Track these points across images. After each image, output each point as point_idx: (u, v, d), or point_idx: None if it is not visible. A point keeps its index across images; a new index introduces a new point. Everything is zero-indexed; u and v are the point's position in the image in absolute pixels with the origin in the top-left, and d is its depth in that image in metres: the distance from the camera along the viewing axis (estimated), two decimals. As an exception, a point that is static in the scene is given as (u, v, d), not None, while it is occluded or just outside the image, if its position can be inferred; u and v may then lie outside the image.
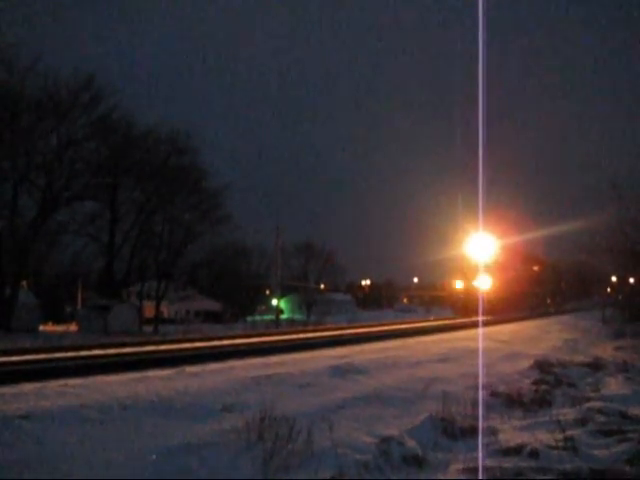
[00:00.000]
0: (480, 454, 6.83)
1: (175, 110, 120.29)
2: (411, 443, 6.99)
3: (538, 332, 32.34)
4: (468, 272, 63.61)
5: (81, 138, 45.83)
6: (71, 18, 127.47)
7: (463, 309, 60.75)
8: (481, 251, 49.38)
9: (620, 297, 49.98)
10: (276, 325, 49.75)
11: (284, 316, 67.35)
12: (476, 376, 11.70)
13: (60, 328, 47.72)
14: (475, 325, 31.30)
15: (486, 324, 33.73)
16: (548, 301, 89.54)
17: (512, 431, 8.22)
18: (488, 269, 53.33)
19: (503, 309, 58.08)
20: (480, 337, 22.47)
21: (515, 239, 60.86)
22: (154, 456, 5.96)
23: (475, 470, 6.31)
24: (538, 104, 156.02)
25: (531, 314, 60.90)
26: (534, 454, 6.89)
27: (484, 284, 51.35)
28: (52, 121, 43.42)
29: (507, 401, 10.42)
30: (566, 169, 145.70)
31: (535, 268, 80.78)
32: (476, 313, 43.15)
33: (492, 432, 8.01)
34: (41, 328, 45.45)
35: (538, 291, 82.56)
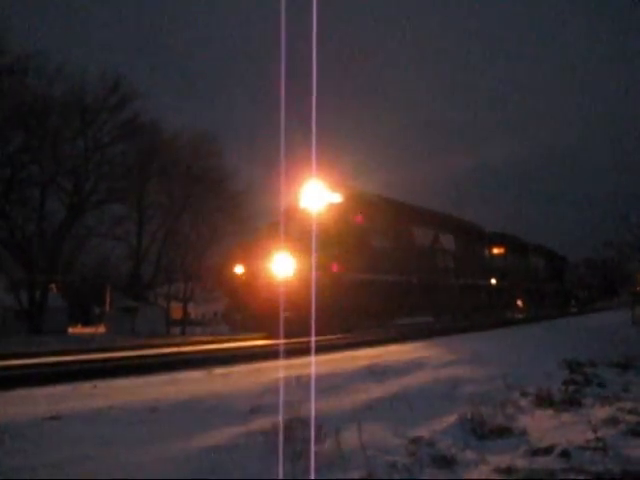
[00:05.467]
0: (510, 455, 6.78)
1: (200, 113, 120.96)
2: (440, 444, 6.96)
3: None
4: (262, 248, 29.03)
5: (108, 142, 46.45)
6: (93, 20, 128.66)
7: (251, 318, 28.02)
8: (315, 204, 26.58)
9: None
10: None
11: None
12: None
13: (89, 330, 48.28)
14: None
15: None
16: (519, 303, 53.56)
17: (542, 431, 8.12)
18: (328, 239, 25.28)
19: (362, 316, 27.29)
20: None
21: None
22: (182, 457, 5.98)
23: (505, 470, 6.25)
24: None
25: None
26: (565, 455, 6.81)
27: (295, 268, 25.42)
28: (79, 125, 44.01)
29: (537, 400, 10.31)
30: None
31: (497, 250, 47.21)
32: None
33: (522, 432, 7.93)
34: (70, 330, 46.06)
35: (498, 286, 46.23)
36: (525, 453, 7.00)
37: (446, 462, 6.53)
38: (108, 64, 50.36)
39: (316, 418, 6.92)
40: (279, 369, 11.25)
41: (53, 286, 48.90)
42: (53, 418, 7.18)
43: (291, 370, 11.03)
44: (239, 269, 32.18)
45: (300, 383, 9.64)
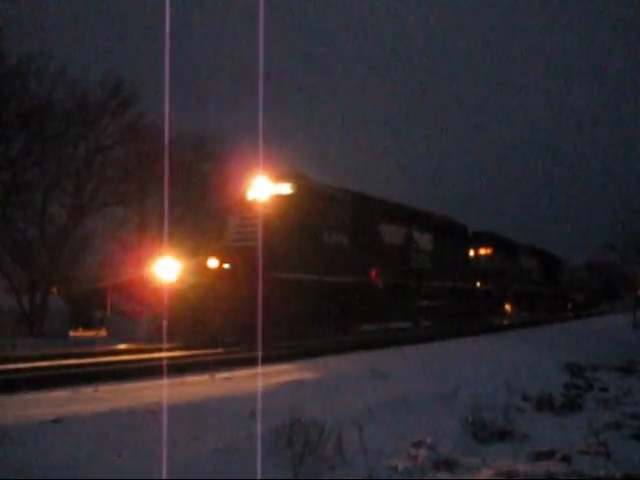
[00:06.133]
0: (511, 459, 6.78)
1: (201, 114, 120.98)
2: (442, 448, 6.95)
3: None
4: None
5: (109, 145, 46.33)
6: (94, 23, 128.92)
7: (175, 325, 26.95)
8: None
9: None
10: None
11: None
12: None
13: (90, 334, 48.21)
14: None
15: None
16: (507, 307, 49.11)
17: (543, 435, 8.12)
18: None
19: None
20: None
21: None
22: (183, 461, 5.99)
23: (506, 474, 6.25)
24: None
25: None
26: (566, 459, 6.81)
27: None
28: (80, 128, 43.88)
29: (538, 405, 10.31)
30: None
31: (484, 251, 43.74)
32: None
33: (523, 436, 7.92)
34: (71, 334, 45.96)
35: (484, 290, 42.40)
36: (526, 457, 7.01)
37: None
38: (109, 67, 50.28)
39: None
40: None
41: (54, 289, 48.88)
42: (55, 421, 7.19)
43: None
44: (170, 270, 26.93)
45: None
